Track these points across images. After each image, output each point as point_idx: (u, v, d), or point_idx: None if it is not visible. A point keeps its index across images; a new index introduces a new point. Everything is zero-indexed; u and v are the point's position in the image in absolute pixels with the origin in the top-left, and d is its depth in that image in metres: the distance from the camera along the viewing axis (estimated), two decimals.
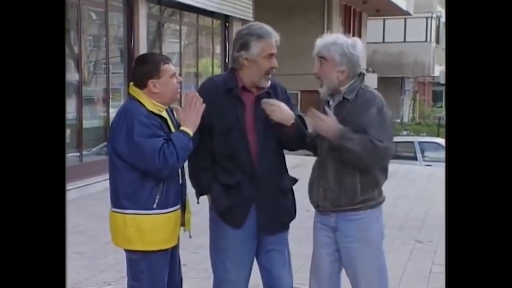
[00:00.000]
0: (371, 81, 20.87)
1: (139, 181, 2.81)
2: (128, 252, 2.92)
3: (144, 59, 2.97)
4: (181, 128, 2.86)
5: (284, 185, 3.08)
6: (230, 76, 3.06)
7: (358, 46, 2.99)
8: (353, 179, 2.94)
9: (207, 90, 3.04)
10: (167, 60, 2.93)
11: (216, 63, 13.08)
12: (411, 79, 29.47)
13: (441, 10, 28.94)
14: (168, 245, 2.92)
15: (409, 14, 22.84)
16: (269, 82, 3.05)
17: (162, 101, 2.88)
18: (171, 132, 2.89)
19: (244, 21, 13.36)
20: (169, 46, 11.94)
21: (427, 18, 26.99)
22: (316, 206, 3.05)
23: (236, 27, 13.23)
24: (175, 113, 3.01)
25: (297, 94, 18.65)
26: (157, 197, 2.82)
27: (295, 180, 3.16)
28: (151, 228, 2.84)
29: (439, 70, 28.06)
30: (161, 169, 2.76)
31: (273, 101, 2.97)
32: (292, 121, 2.97)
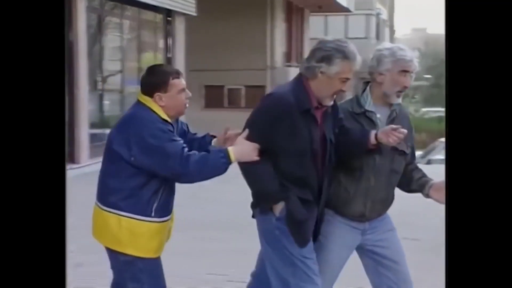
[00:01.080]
0: None
1: (141, 186, 2.76)
2: (122, 254, 2.83)
3: (153, 70, 2.91)
4: (229, 148, 2.75)
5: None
6: (301, 91, 2.85)
7: None
8: (393, 188, 3.14)
9: (276, 109, 2.82)
10: (177, 74, 2.87)
11: (159, 57, 12.92)
12: None
13: (380, 8, 29.55)
14: (158, 254, 2.88)
15: (350, 11, 23.22)
16: (332, 102, 2.91)
17: (167, 114, 2.82)
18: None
19: (186, 16, 13.25)
20: (111, 40, 11.71)
21: (367, 15, 27.52)
22: (358, 217, 3.05)
23: (178, 22, 13.10)
24: (212, 139, 3.05)
25: (241, 89, 18.67)
26: (155, 204, 2.78)
27: None
28: (146, 234, 2.79)
29: None
30: (180, 175, 2.72)
31: (402, 130, 2.85)
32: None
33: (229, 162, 2.72)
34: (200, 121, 10.62)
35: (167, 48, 13.01)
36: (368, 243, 3.10)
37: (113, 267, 2.93)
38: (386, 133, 2.86)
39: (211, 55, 17.08)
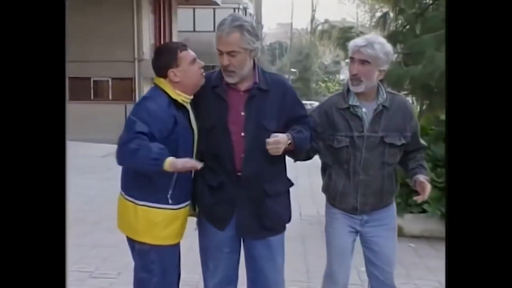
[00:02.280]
0: None
1: (155, 174, 2.72)
2: (137, 243, 2.85)
3: (160, 50, 2.95)
4: (168, 159, 2.63)
5: (272, 189, 2.88)
6: (219, 72, 2.89)
7: (389, 45, 3.05)
8: (393, 180, 3.09)
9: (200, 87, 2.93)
10: (183, 47, 2.88)
11: None
12: None
13: (247, 2, 30.14)
14: (176, 241, 2.89)
15: (217, 4, 23.45)
16: (233, 79, 2.80)
17: (185, 90, 2.82)
18: (190, 124, 2.81)
19: None
20: None
21: (234, 9, 27.92)
22: (350, 210, 3.07)
23: None
24: None
25: (108, 81, 18.18)
26: (170, 191, 2.76)
27: (290, 184, 3.01)
28: (163, 222, 2.80)
29: None
30: (116, 155, 2.71)
31: (272, 140, 2.72)
32: (289, 142, 2.77)
33: (160, 168, 2.64)
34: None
35: None
36: (367, 235, 3.12)
37: (132, 255, 2.95)
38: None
39: (75, 45, 16.43)
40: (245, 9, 29.97)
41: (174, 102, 2.81)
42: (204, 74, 2.92)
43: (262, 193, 2.86)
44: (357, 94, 3.03)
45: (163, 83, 2.85)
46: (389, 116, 3.03)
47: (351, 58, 3.00)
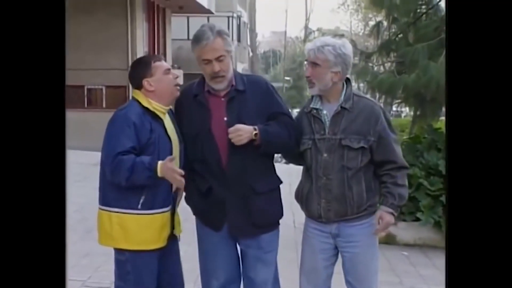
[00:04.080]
0: None
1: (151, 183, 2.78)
2: (116, 252, 2.92)
3: (135, 62, 3.06)
4: (159, 163, 2.72)
5: (260, 187, 2.96)
6: (200, 81, 3.03)
7: (348, 46, 2.98)
8: (359, 188, 2.96)
9: (181, 96, 3.02)
10: (158, 58, 3.00)
11: None
12: None
13: (241, 10, 30.23)
14: (153, 246, 2.89)
15: (211, 13, 23.47)
16: (223, 85, 2.93)
17: (160, 100, 2.87)
18: (167, 134, 2.85)
19: None
20: None
21: (228, 17, 27.98)
22: (316, 218, 3.01)
23: None
24: None
25: (101, 89, 18.15)
26: (143, 197, 2.79)
27: (278, 181, 3.07)
28: (136, 228, 2.84)
29: (241, 67, 29.24)
30: (110, 175, 2.77)
31: (232, 129, 2.86)
32: (254, 132, 2.87)
33: (154, 176, 2.74)
34: None
35: None
36: (340, 249, 3.07)
37: None
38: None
39: (69, 53, 16.35)
40: (239, 17, 30.03)
41: (148, 111, 2.87)
42: (178, 86, 3.00)
43: (250, 191, 2.94)
44: (321, 96, 3.03)
45: (138, 94, 2.93)
46: (350, 119, 2.96)
47: (306, 61, 3.05)
